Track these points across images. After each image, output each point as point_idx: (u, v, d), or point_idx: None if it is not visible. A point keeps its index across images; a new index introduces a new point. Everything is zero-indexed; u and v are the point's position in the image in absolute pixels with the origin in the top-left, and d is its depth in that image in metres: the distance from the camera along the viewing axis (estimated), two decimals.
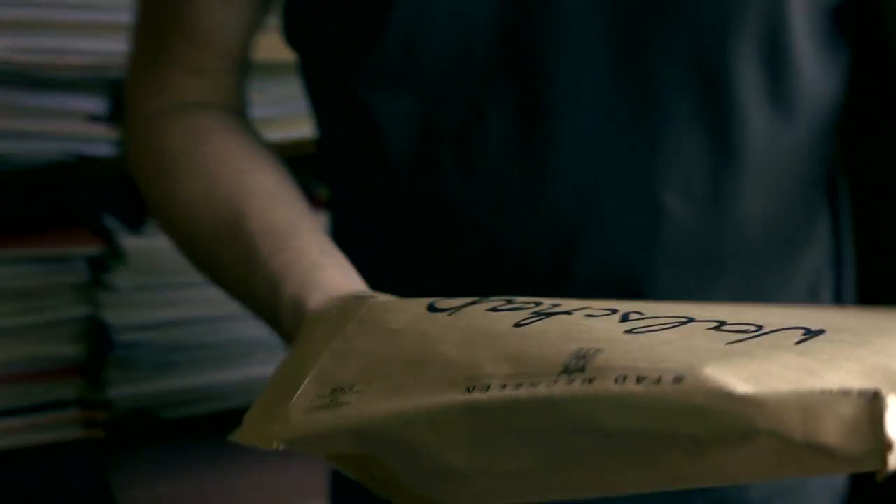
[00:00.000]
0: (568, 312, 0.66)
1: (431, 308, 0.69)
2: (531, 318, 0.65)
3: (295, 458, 1.73)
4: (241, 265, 0.84)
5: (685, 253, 0.87)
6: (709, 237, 0.87)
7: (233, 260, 0.85)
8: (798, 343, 0.59)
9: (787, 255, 0.92)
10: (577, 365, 0.59)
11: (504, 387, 0.60)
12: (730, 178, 0.86)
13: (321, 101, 0.95)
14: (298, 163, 0.95)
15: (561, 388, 0.58)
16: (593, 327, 0.63)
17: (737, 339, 0.60)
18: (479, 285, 0.87)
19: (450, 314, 0.68)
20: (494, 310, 0.67)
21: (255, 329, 1.61)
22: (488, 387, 0.60)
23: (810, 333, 0.61)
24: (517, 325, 0.65)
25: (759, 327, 0.62)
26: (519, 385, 0.60)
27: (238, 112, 0.96)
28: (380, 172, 0.89)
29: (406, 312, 0.70)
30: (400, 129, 0.87)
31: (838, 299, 0.97)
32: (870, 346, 0.59)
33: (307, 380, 0.67)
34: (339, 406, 0.64)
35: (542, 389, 0.59)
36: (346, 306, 0.73)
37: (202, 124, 0.92)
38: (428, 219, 0.88)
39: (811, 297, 0.94)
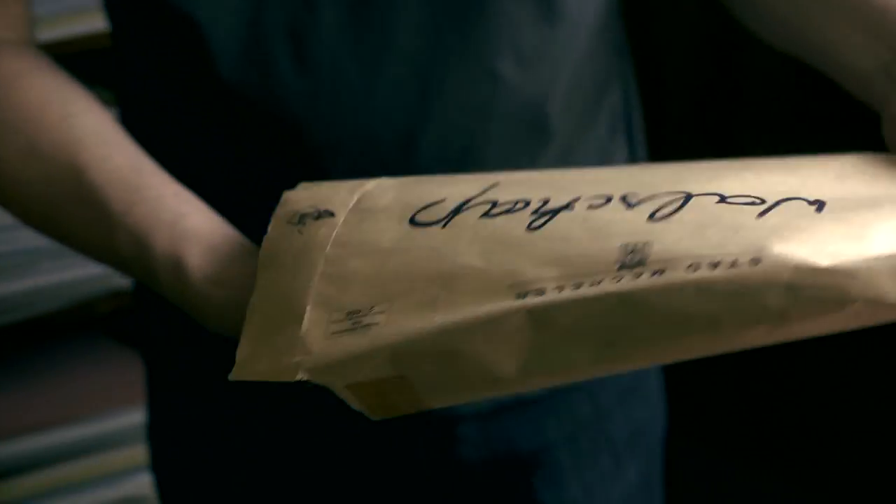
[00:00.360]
0: (568, 207, 0.65)
1: (414, 223, 0.68)
2: (538, 218, 0.65)
3: (105, 366, 1.71)
4: (93, 226, 0.79)
5: (519, 118, 0.88)
6: (538, 99, 0.89)
7: (82, 220, 0.80)
8: (819, 212, 0.63)
9: (596, 106, 0.95)
10: (634, 259, 0.60)
11: (561, 289, 0.60)
12: (553, 39, 0.88)
13: (123, 5, 0.90)
14: (67, 63, 0.89)
15: (631, 282, 0.58)
16: (614, 220, 0.63)
17: (762, 211, 0.62)
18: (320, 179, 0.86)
19: (443, 227, 0.67)
20: (487, 215, 0.67)
21: (38, 238, 1.57)
22: (542, 291, 0.60)
23: (817, 203, 0.64)
24: (531, 227, 0.65)
25: (762, 200, 0.64)
26: (578, 286, 0.59)
27: (32, 44, 0.89)
28: (202, 77, 0.85)
29: (385, 230, 0.68)
30: (226, 31, 0.83)
31: (630, 138, 1.01)
32: (882, 208, 0.63)
33: (308, 308, 0.65)
34: (368, 328, 0.62)
35: (609, 286, 0.59)
36: (307, 232, 0.71)
37: (9, 69, 0.85)
38: (260, 121, 0.86)
39: (610, 137, 0.97)
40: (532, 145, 0.90)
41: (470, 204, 0.68)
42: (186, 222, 0.77)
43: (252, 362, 0.65)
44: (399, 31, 0.84)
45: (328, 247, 0.68)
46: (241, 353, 0.66)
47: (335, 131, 0.85)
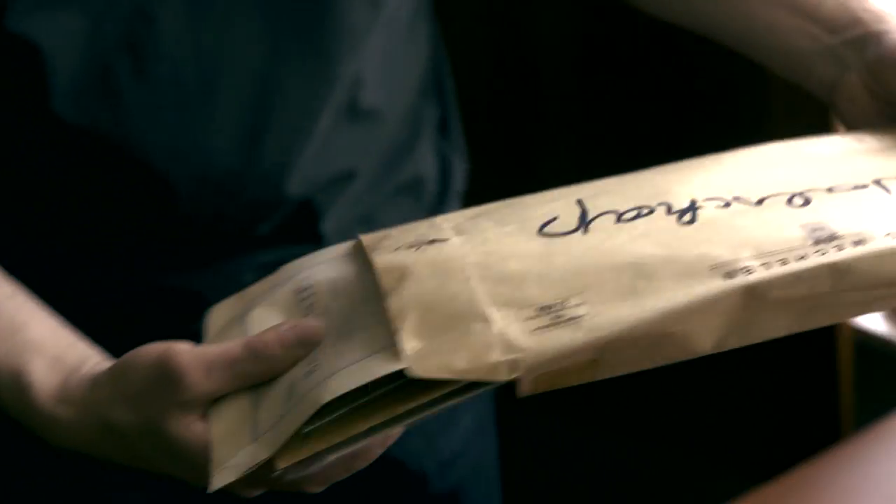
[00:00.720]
0: (696, 208, 0.68)
1: (548, 234, 0.67)
2: (681, 216, 0.67)
3: None
4: None
5: (349, 106, 0.90)
6: (366, 84, 0.90)
7: None
8: None
9: (410, 75, 0.97)
10: (824, 235, 0.64)
11: (767, 266, 0.62)
12: (383, 30, 0.90)
13: None
14: None
15: (838, 254, 0.62)
16: (759, 210, 0.67)
17: (880, 190, 0.68)
18: (166, 198, 0.85)
19: (584, 233, 0.67)
20: (621, 220, 0.67)
21: None
22: (749, 270, 0.62)
23: None
24: (683, 223, 0.66)
25: (862, 185, 0.69)
26: (784, 262, 0.62)
27: None
28: (36, 98, 0.82)
29: (523, 241, 0.67)
30: (66, 53, 0.81)
31: (441, 99, 1.04)
32: None
33: (488, 306, 0.62)
34: (576, 320, 0.61)
35: (819, 259, 0.62)
36: (431, 251, 0.68)
37: None
38: (102, 140, 0.84)
39: (422, 100, 1.00)
40: (360, 128, 0.91)
41: (590, 216, 0.68)
42: (27, 333, 0.73)
43: (438, 357, 0.61)
44: (238, 40, 0.84)
45: (471, 256, 0.66)
46: (409, 346, 0.61)
47: (177, 143, 0.84)
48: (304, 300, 0.71)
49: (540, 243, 0.67)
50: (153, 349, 0.69)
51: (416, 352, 0.61)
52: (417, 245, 0.69)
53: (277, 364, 0.66)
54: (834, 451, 1.08)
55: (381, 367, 0.61)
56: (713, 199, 0.69)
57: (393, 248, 0.69)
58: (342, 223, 0.93)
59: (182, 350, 0.67)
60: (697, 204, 0.68)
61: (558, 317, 0.61)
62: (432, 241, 0.69)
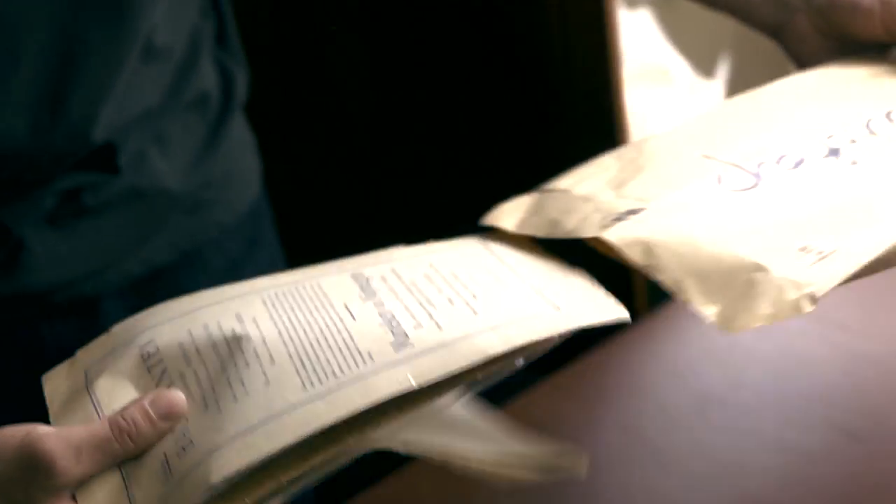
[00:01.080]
0: (837, 152, 0.73)
1: (730, 190, 0.72)
2: (838, 159, 0.72)
3: None
4: None
5: (152, 51, 0.91)
6: (156, 28, 0.91)
7: None
8: None
9: (195, 5, 0.99)
10: None
11: None
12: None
13: None
14: None
15: None
16: (868, 176, 0.71)
17: None
18: None
19: (766, 184, 0.71)
20: (786, 169, 0.72)
21: None
22: None
23: None
24: (851, 164, 0.72)
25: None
26: None
27: None
28: None
29: (721, 204, 0.71)
30: None
31: (216, 6, 1.05)
32: None
33: (756, 258, 0.65)
34: (832, 254, 0.64)
35: None
36: (645, 218, 0.71)
37: None
38: None
39: (204, 18, 1.01)
40: (154, 66, 0.93)
41: (752, 169, 0.73)
42: None
43: (742, 312, 0.64)
44: (35, 22, 0.82)
45: (694, 219, 0.70)
46: (709, 311, 0.65)
47: None
48: (152, 367, 0.70)
49: (738, 199, 0.71)
50: (14, 433, 0.66)
51: (720, 315, 0.64)
52: (619, 218, 0.72)
53: (146, 441, 0.66)
54: (626, 332, 1.13)
55: (288, 433, 0.62)
56: (838, 135, 0.75)
57: (596, 225, 0.72)
58: (136, 151, 0.95)
59: (46, 434, 0.65)
60: (834, 145, 0.74)
61: (819, 253, 0.65)
62: (632, 212, 0.73)
